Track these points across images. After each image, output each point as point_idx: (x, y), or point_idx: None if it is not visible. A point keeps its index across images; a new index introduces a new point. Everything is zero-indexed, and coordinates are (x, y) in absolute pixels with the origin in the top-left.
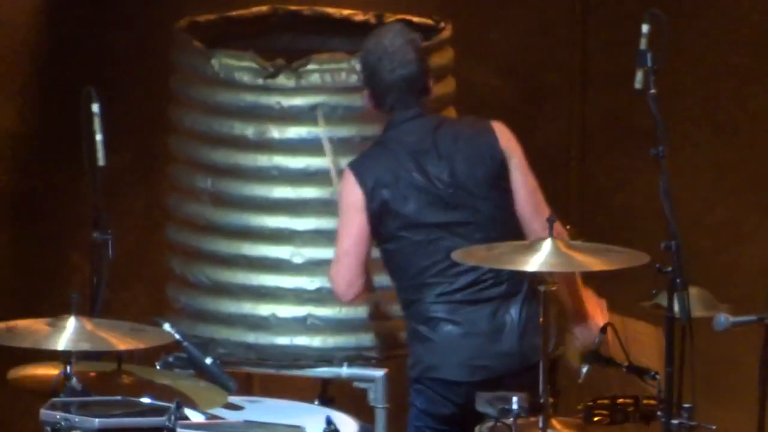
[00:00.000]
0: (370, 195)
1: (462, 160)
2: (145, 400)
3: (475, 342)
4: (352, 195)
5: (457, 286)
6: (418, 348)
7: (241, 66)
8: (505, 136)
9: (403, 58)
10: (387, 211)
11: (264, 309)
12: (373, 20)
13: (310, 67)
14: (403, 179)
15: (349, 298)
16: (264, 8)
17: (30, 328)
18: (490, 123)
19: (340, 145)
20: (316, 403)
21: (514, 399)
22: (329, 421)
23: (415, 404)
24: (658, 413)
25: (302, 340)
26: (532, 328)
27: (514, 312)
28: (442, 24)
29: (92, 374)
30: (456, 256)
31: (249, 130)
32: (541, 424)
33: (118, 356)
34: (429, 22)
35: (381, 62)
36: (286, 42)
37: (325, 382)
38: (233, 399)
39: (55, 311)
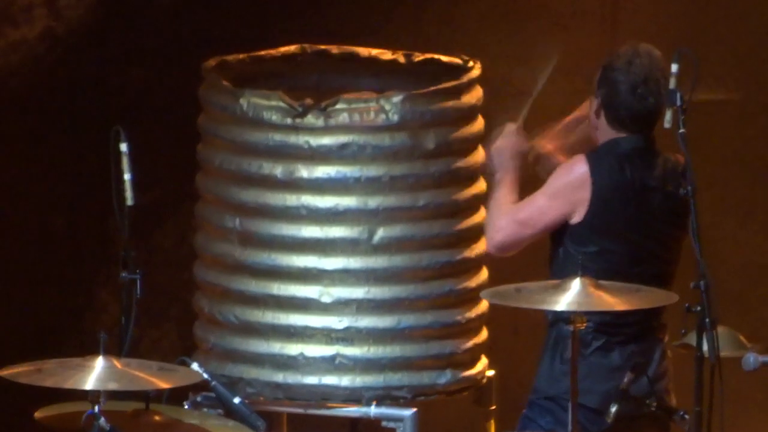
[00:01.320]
0: None
1: None
2: None
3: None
4: None
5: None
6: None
7: (269, 105)
8: None
9: (656, 89)
10: None
11: (292, 348)
12: (401, 59)
13: (339, 106)
14: None
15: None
16: (292, 47)
17: (59, 368)
18: None
19: (368, 185)
20: None
21: None
22: None
23: (537, 422)
24: None
25: (331, 380)
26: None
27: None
28: (471, 63)
29: (121, 414)
30: (484, 295)
31: (277, 170)
32: None
33: (147, 396)
34: (458, 61)
35: (633, 87)
36: (314, 81)
37: (354, 422)
38: None
39: (84, 351)
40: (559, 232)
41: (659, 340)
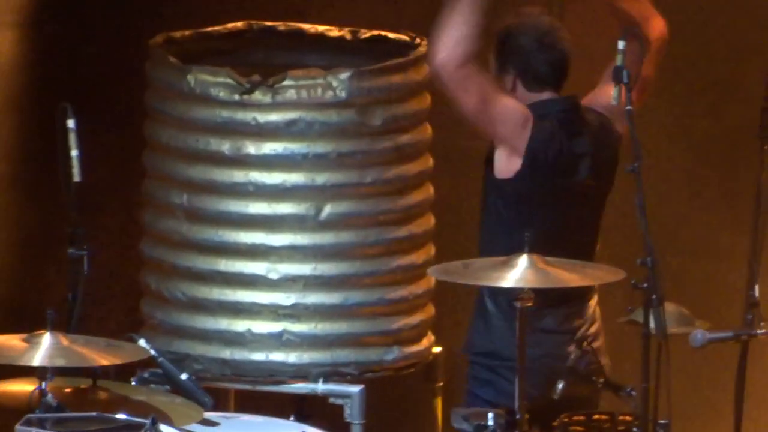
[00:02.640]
0: None
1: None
2: (121, 416)
3: None
4: None
5: None
6: None
7: (217, 82)
8: None
9: (561, 36)
10: None
11: (240, 325)
12: (348, 36)
13: (286, 83)
14: None
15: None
16: (239, 24)
17: (5, 345)
18: None
19: (315, 161)
20: (292, 419)
21: (490, 415)
22: None
23: (480, 396)
24: (634, 429)
25: (278, 356)
26: None
27: None
28: (418, 40)
29: (68, 390)
30: (431, 272)
31: (225, 146)
32: None
33: (94, 372)
34: (405, 38)
35: (540, 40)
36: (262, 58)
37: (301, 398)
38: (209, 415)
39: (31, 328)
40: (489, 184)
41: (587, 301)
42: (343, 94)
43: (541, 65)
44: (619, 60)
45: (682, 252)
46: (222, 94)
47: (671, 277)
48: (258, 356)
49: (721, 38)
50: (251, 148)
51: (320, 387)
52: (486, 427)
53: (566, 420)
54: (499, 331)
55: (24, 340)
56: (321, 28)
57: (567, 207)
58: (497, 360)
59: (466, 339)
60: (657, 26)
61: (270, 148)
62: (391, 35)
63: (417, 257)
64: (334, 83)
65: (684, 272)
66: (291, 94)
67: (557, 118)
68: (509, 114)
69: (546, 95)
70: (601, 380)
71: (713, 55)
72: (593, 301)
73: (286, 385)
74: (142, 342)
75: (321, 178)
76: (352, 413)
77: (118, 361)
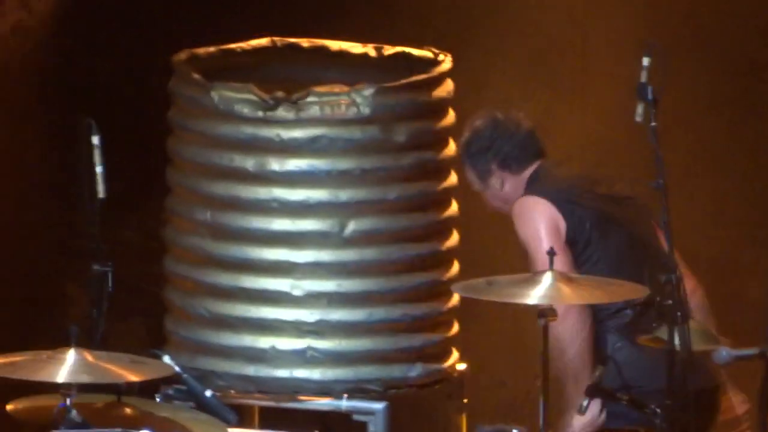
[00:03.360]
0: None
1: None
2: None
3: None
4: None
5: None
6: None
7: (240, 98)
8: None
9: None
10: None
11: (263, 342)
12: (372, 53)
13: (310, 99)
14: None
15: None
16: (263, 40)
17: (30, 361)
18: None
19: (339, 178)
20: None
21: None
22: None
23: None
24: None
25: (302, 373)
26: None
27: None
28: (441, 56)
29: (92, 406)
30: (455, 288)
31: (248, 163)
32: None
33: (118, 389)
34: (428, 54)
35: (503, 127)
36: (285, 74)
37: (325, 415)
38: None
39: (53, 344)
40: None
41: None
42: (367, 111)
43: (516, 148)
44: (643, 76)
45: (705, 269)
46: (246, 110)
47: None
48: (282, 373)
49: (740, 53)
50: (275, 165)
51: (344, 404)
52: None
53: None
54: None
55: (48, 357)
56: (344, 44)
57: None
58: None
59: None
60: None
61: (294, 164)
62: (415, 51)
63: (440, 274)
64: (358, 100)
65: (708, 289)
66: (315, 110)
67: (559, 180)
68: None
69: (535, 167)
70: (626, 397)
71: (732, 70)
72: None
73: (310, 402)
74: (166, 358)
75: (344, 195)
76: (377, 430)
77: (142, 378)
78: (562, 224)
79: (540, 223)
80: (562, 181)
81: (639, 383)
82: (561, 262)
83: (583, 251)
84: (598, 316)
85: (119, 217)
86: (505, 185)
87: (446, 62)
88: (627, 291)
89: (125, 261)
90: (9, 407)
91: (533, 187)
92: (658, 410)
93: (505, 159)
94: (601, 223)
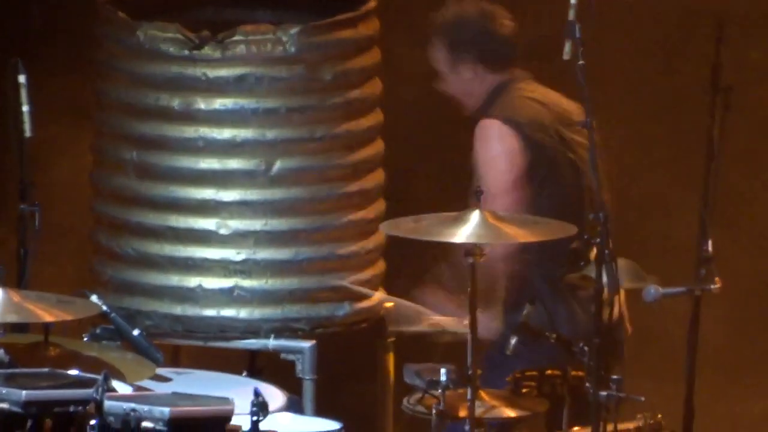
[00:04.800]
0: None
1: None
2: (73, 372)
3: None
4: None
5: None
6: None
7: (166, 37)
8: None
9: (505, 16)
10: None
11: (191, 281)
12: None
13: (236, 38)
14: None
15: None
16: None
17: None
18: None
19: (265, 117)
20: (243, 374)
21: (443, 371)
22: (257, 393)
23: None
24: (587, 385)
25: (229, 312)
26: None
27: None
28: None
29: (19, 346)
30: (382, 227)
31: (175, 102)
32: (469, 396)
33: (45, 328)
34: None
35: (492, 23)
36: (211, 14)
37: (253, 354)
38: (161, 371)
39: None
40: None
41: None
42: (293, 50)
43: (500, 46)
44: (571, 14)
45: (633, 208)
46: (172, 49)
47: (623, 233)
48: (209, 312)
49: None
50: (201, 104)
51: (271, 343)
52: (438, 382)
53: (518, 376)
54: None
55: None
56: None
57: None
58: None
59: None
60: None
61: (220, 103)
62: None
63: (368, 213)
64: (284, 38)
65: (635, 228)
66: (241, 49)
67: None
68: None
69: (507, 74)
70: (554, 335)
71: (663, 14)
72: None
73: (238, 341)
74: (93, 298)
75: (271, 134)
76: (304, 369)
77: (69, 317)
78: (522, 159)
79: (501, 153)
80: (530, 108)
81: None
82: (512, 198)
83: (536, 188)
84: (529, 258)
85: (50, 158)
86: (475, 78)
87: (372, 0)
88: (554, 230)
89: (55, 202)
90: None
91: (500, 107)
92: (586, 348)
93: (485, 53)
94: (559, 165)
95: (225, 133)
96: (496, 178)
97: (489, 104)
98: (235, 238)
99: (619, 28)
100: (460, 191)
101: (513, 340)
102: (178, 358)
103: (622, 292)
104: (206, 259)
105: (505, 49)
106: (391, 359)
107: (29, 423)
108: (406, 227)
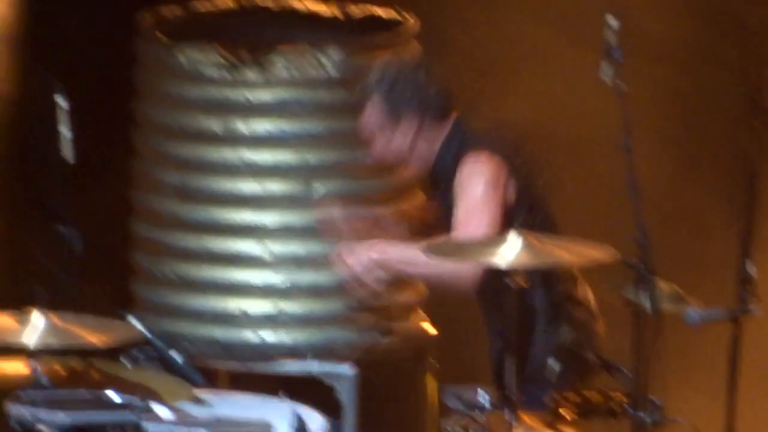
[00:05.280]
0: None
1: None
2: (112, 395)
3: None
4: None
5: None
6: None
7: (207, 59)
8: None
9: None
10: None
11: (232, 305)
12: (340, 15)
13: (277, 60)
14: None
15: None
16: (230, 2)
17: None
18: None
19: (307, 140)
20: (284, 399)
21: (483, 393)
22: (297, 417)
23: None
24: (627, 407)
25: (271, 336)
26: None
27: None
28: (408, 18)
29: (58, 369)
30: (426, 249)
31: (216, 124)
32: (509, 418)
33: (85, 351)
34: (394, 15)
35: (429, 70)
36: (251, 35)
37: (294, 378)
38: (200, 394)
39: (19, 307)
40: None
41: None
42: (334, 72)
43: (440, 93)
44: (610, 36)
45: (673, 229)
46: (212, 72)
47: (662, 255)
48: (251, 336)
49: (717, 13)
50: (242, 127)
51: (313, 367)
52: (479, 405)
53: (557, 397)
54: None
55: (13, 318)
56: (313, 7)
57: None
58: None
59: None
60: None
61: (261, 126)
62: (382, 13)
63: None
64: (325, 61)
65: (676, 249)
66: (282, 72)
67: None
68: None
69: (453, 120)
70: (595, 357)
71: (707, 31)
72: None
73: (280, 366)
74: (133, 321)
75: (313, 157)
76: (345, 393)
77: (108, 340)
78: (512, 188)
79: (494, 185)
80: (500, 138)
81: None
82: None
83: (529, 214)
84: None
85: (86, 178)
86: (417, 135)
87: (413, 24)
88: (595, 253)
89: (94, 223)
90: None
91: (477, 141)
92: (625, 371)
93: (428, 105)
94: (535, 190)
95: (266, 157)
96: (488, 210)
97: (451, 149)
98: (278, 262)
99: (660, 45)
100: None
101: (554, 364)
102: (216, 381)
103: (592, 299)
104: (248, 283)
105: (447, 97)
106: (432, 382)
107: None
108: (448, 249)
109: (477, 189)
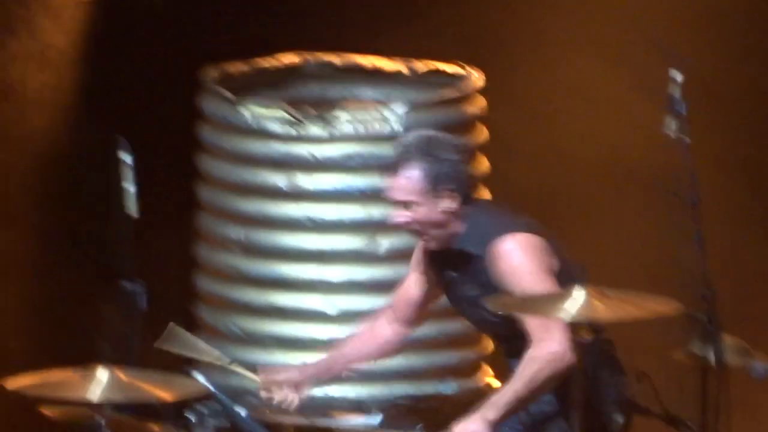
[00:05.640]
0: None
1: None
2: None
3: None
4: None
5: None
6: None
7: (272, 115)
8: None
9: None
10: None
11: (297, 359)
12: (404, 70)
13: (342, 116)
14: None
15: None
16: (294, 57)
17: (60, 378)
18: None
19: (372, 195)
20: None
21: None
22: None
23: None
24: None
25: (336, 391)
26: None
27: None
28: (473, 72)
29: (124, 424)
30: (489, 305)
31: (280, 180)
32: None
33: (151, 406)
34: (460, 70)
35: (465, 149)
36: (317, 91)
37: None
38: None
39: (85, 362)
40: None
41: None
42: (399, 128)
43: (470, 176)
44: (675, 91)
45: (738, 283)
46: (277, 128)
47: (728, 309)
48: (316, 391)
49: None
50: (307, 182)
51: (378, 421)
52: None
53: None
54: None
55: (79, 374)
56: (377, 62)
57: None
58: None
59: None
60: None
61: (326, 182)
62: (447, 68)
63: None
64: (390, 116)
65: (741, 303)
66: (347, 127)
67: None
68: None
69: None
70: (660, 412)
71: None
72: None
73: (345, 420)
74: (199, 376)
75: (377, 212)
76: None
77: (175, 396)
78: (555, 262)
79: (542, 262)
80: (518, 217)
81: None
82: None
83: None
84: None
85: (150, 233)
86: (452, 210)
87: (478, 78)
88: (660, 306)
89: (159, 279)
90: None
91: (502, 226)
92: (692, 425)
93: (465, 183)
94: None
95: (331, 212)
96: (541, 286)
97: (475, 229)
98: (342, 317)
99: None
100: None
101: (620, 419)
102: None
103: None
104: (312, 338)
105: (473, 179)
106: None
107: None
108: (513, 303)
109: (528, 267)
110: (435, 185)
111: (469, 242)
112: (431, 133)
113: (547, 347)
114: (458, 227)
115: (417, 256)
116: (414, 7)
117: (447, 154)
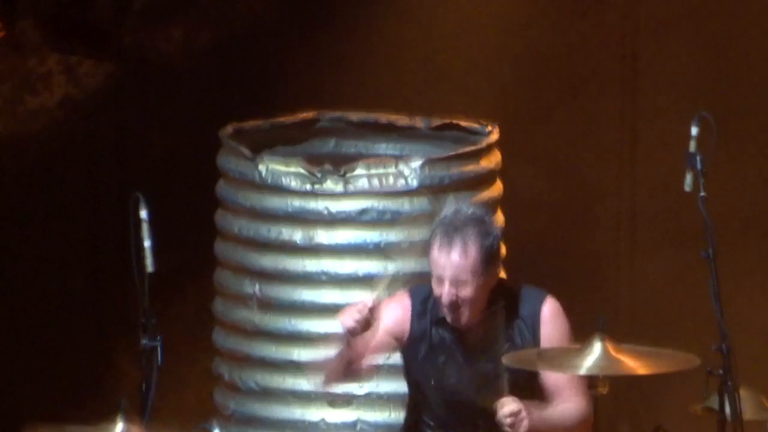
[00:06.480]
0: None
1: None
2: None
3: None
4: None
5: None
6: None
7: (288, 171)
8: None
9: None
10: None
11: (314, 414)
12: (420, 124)
13: (358, 171)
14: None
15: None
16: (310, 113)
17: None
18: None
19: (388, 250)
20: None
21: None
22: None
23: None
24: None
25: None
26: None
27: None
28: (489, 128)
29: None
30: (506, 360)
31: (297, 235)
32: None
33: None
34: (476, 125)
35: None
36: (332, 146)
37: None
38: None
39: (104, 417)
40: None
41: None
42: (415, 183)
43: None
44: (692, 146)
45: (756, 337)
46: (294, 183)
47: (745, 364)
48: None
49: None
50: (323, 237)
51: None
52: None
53: None
54: None
55: (97, 429)
56: (393, 117)
57: None
58: None
59: None
60: None
61: (342, 236)
62: (463, 122)
63: None
64: (406, 171)
65: (758, 358)
66: (363, 182)
67: None
68: None
69: None
70: None
71: None
72: None
73: None
74: (215, 430)
75: (393, 267)
76: None
77: None
78: None
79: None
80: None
81: None
82: None
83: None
84: None
85: (171, 291)
86: (495, 286)
87: (494, 133)
88: (677, 362)
89: (177, 334)
90: None
91: (530, 286)
92: None
93: (500, 262)
94: None
95: (347, 267)
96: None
97: (502, 299)
98: None
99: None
100: (583, 321)
101: None
102: None
103: None
104: (329, 393)
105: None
106: None
107: None
108: (529, 359)
109: (566, 330)
110: (488, 263)
111: (512, 307)
112: (477, 209)
113: (584, 410)
114: (485, 300)
115: (393, 327)
116: (432, 64)
117: (495, 231)
